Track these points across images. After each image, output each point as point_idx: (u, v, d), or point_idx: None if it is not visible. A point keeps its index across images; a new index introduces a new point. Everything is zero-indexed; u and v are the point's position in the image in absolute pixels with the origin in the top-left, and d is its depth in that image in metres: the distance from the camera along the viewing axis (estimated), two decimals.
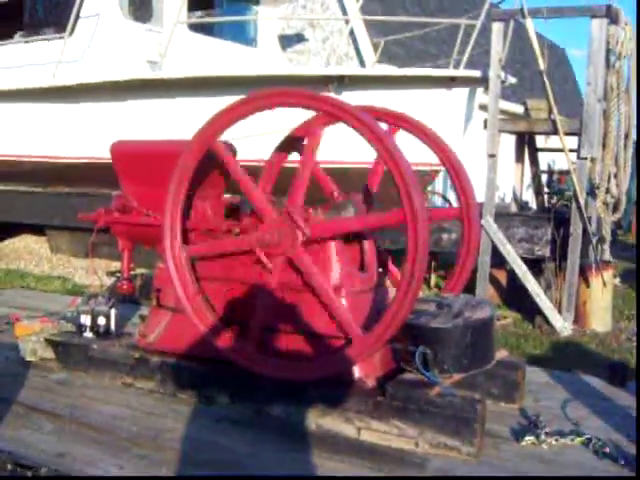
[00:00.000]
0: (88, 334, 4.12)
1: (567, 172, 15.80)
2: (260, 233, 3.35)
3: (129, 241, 4.19)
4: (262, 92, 3.26)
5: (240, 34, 10.89)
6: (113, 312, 4.25)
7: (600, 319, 7.65)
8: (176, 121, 7.86)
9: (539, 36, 8.03)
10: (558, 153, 12.24)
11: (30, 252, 10.33)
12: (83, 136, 9.08)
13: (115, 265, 7.96)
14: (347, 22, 11.87)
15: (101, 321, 4.20)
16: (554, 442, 3.20)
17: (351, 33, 13.16)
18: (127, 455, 2.98)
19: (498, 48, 7.41)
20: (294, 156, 4.14)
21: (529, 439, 3.22)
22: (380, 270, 3.84)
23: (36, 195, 9.75)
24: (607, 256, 8.01)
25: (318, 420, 3.30)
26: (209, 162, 3.61)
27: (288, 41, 13.60)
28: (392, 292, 3.70)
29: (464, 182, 3.87)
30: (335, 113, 3.11)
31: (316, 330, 3.39)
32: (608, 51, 7.20)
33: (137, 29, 9.26)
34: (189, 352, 3.74)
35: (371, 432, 3.18)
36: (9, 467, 2.83)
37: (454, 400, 3.05)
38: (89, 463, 2.88)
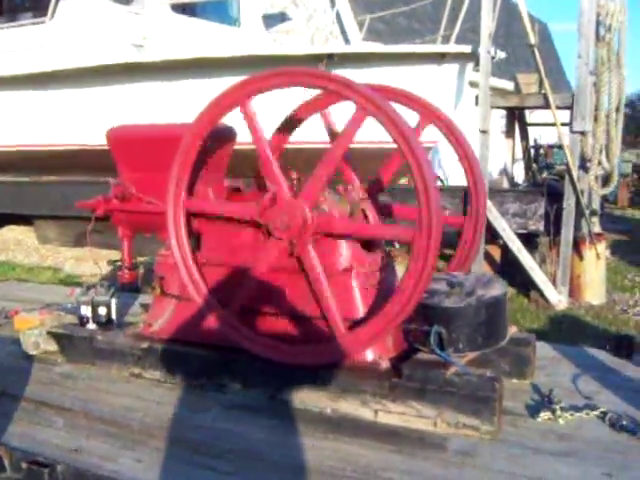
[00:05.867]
0: (91, 325, 4.05)
1: (553, 146, 15.88)
2: (270, 212, 3.28)
3: (129, 229, 4.11)
4: (269, 72, 3.18)
5: (223, 14, 10.73)
6: (114, 302, 4.18)
7: (594, 291, 7.71)
8: (164, 104, 7.76)
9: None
10: (544, 128, 12.28)
11: (18, 243, 10.19)
12: (67, 123, 8.93)
13: (106, 253, 7.87)
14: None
15: (102, 311, 4.13)
16: (569, 417, 3.19)
17: (334, 10, 13.03)
18: (143, 448, 2.93)
19: (488, 22, 7.36)
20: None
21: (545, 415, 3.20)
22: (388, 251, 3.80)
23: (22, 185, 9.60)
24: (597, 228, 8.06)
25: (333, 404, 3.26)
26: (209, 145, 3.54)
27: (272, 21, 13.45)
28: (400, 271, 3.67)
29: (470, 158, 3.83)
30: (344, 93, 3.04)
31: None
32: (598, 23, 7.17)
33: (119, 11, 9.09)
34: (195, 339, 3.68)
35: (388, 414, 3.15)
36: (23, 465, 2.76)
37: (472, 379, 3.02)
38: (106, 458, 2.83)
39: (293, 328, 3.43)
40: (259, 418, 3.24)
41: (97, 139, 8.11)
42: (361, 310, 3.34)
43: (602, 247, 7.67)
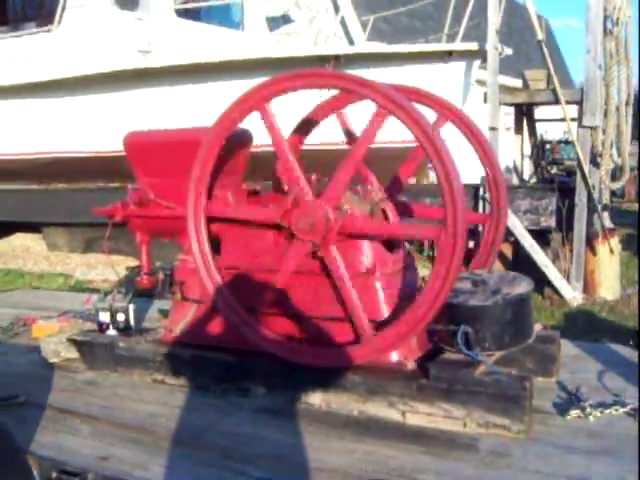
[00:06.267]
0: (111, 332, 4.03)
1: (560, 142, 15.83)
2: (293, 214, 3.25)
3: (147, 235, 4.09)
4: (286, 74, 3.16)
5: (227, 18, 10.73)
6: (132, 308, 4.16)
7: (609, 287, 7.68)
8: (172, 109, 7.74)
9: (524, 7, 7.92)
10: (550, 123, 12.22)
11: (27, 250, 10.16)
12: (75, 131, 8.92)
13: (116, 259, 7.86)
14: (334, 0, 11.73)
15: (120, 317, 4.11)
16: (599, 414, 3.15)
17: (338, 11, 13.00)
18: (172, 455, 2.90)
19: (495, 19, 7.33)
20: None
21: (575, 413, 3.17)
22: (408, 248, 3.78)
23: (31, 193, 9.59)
24: (608, 223, 8.03)
25: (360, 406, 3.23)
26: (227, 148, 3.52)
27: (274, 23, 13.43)
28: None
29: (490, 156, 3.80)
30: (364, 93, 3.01)
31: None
32: (605, 17, 7.15)
33: (125, 18, 9.09)
34: (217, 343, 3.66)
35: (417, 415, 3.11)
36: (54, 475, 2.74)
37: (501, 378, 2.99)
38: (136, 465, 2.80)
39: (317, 331, 3.41)
40: (285, 422, 3.21)
41: (105, 146, 8.16)
42: (385, 311, 3.32)
43: (615, 242, 7.65)
